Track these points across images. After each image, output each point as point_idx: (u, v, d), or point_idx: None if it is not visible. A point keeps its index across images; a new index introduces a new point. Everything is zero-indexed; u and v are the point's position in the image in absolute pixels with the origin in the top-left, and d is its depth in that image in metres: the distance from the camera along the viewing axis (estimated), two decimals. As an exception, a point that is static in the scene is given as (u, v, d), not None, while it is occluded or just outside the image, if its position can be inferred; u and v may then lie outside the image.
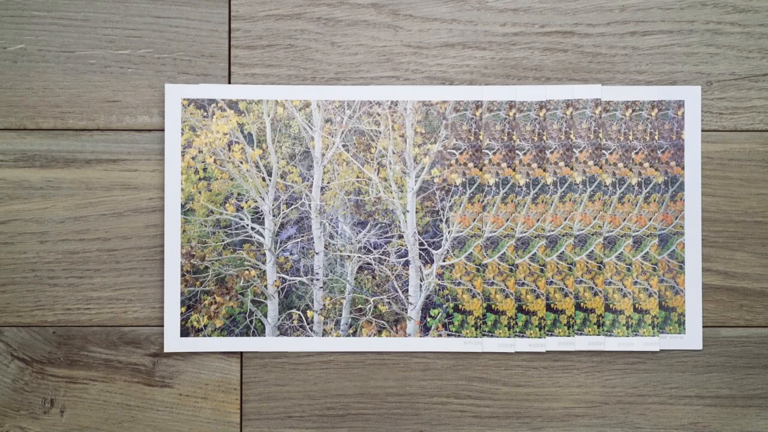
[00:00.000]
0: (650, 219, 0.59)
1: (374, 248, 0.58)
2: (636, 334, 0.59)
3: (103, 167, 0.58)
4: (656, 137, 0.59)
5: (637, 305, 0.59)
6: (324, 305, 0.58)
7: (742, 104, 0.59)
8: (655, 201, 0.59)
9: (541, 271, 0.59)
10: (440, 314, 0.58)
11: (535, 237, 0.59)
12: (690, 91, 0.59)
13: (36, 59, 0.59)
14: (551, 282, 0.59)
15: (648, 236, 0.59)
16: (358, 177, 0.58)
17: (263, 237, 0.58)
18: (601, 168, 0.59)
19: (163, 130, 0.58)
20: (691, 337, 0.59)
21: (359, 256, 0.58)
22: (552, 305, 0.59)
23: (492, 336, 0.58)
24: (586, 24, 0.59)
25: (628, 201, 0.59)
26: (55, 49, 0.59)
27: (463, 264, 0.58)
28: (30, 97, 0.59)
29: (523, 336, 0.58)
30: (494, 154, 0.59)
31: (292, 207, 0.58)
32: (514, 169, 0.59)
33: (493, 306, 0.58)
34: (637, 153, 0.59)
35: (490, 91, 0.59)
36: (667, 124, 0.59)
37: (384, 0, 0.59)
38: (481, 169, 0.58)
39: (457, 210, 0.58)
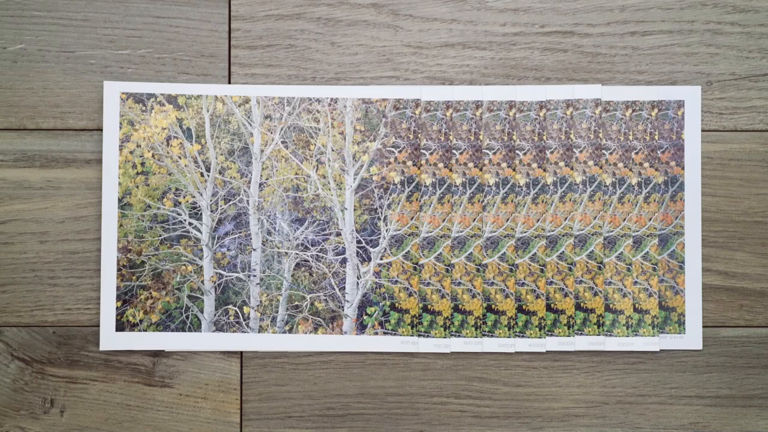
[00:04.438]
0: (650, 219, 0.59)
1: (312, 245, 0.58)
2: (636, 334, 0.59)
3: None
4: (656, 137, 0.59)
5: (637, 305, 0.59)
6: (260, 301, 0.58)
7: (742, 104, 0.59)
8: (655, 201, 0.59)
9: (541, 271, 0.59)
10: (377, 312, 0.58)
11: (535, 237, 0.59)
12: (690, 91, 0.59)
13: (36, 59, 0.59)
14: (551, 282, 0.59)
15: (648, 236, 0.59)
16: (296, 174, 0.58)
17: (200, 232, 0.58)
18: (601, 168, 0.59)
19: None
20: (691, 337, 0.59)
21: (297, 253, 0.58)
22: (552, 305, 0.59)
23: (492, 336, 0.58)
24: (586, 24, 0.59)
25: (628, 201, 0.59)
26: (55, 49, 0.59)
27: (400, 262, 0.58)
28: (30, 97, 0.58)
29: (523, 336, 0.58)
30: (494, 154, 0.58)
31: (230, 203, 0.58)
32: (514, 169, 0.59)
33: (493, 306, 0.58)
34: (637, 153, 0.59)
35: (490, 91, 0.59)
36: (667, 124, 0.59)
37: (384, 0, 0.59)
38: (481, 169, 0.58)
39: (395, 208, 0.58)
